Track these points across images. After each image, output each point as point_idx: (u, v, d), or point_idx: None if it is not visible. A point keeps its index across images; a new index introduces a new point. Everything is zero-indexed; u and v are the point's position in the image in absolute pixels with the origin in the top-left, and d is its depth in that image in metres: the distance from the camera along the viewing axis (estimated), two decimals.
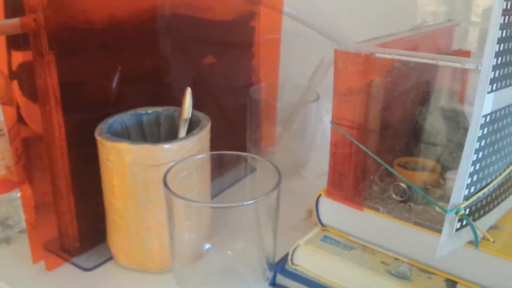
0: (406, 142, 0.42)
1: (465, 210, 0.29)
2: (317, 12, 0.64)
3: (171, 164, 0.37)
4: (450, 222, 0.29)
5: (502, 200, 0.34)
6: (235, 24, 0.57)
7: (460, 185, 0.28)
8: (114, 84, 0.44)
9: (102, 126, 0.40)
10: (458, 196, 0.29)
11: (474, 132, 0.27)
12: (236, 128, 0.61)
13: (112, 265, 0.43)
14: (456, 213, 0.29)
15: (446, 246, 0.30)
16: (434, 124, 0.41)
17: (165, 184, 0.34)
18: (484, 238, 0.34)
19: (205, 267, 0.40)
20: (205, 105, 0.58)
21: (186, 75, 0.54)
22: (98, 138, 0.38)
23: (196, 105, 0.56)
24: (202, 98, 0.57)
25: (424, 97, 0.43)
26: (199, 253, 0.40)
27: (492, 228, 0.35)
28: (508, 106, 0.31)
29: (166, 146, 0.38)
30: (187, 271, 0.38)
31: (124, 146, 0.37)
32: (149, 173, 0.38)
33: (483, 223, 0.33)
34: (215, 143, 0.59)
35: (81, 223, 0.43)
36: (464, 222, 0.30)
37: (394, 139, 0.41)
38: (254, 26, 0.59)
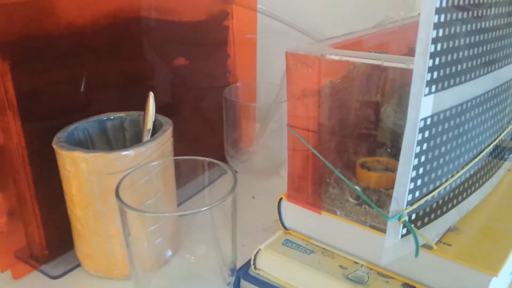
0: (370, 142, 0.41)
1: (409, 216, 0.29)
2: (292, 9, 0.63)
3: (128, 171, 0.37)
4: (394, 228, 0.28)
5: (460, 202, 0.34)
6: (207, 24, 0.57)
7: (401, 190, 0.28)
8: (81, 90, 0.44)
9: (60, 135, 0.40)
10: (399, 202, 0.28)
11: (411, 136, 0.26)
12: (215, 130, 0.61)
13: (80, 273, 0.43)
14: (399, 219, 0.28)
15: (391, 252, 0.29)
16: (399, 123, 0.40)
17: (117, 194, 0.34)
18: (441, 241, 0.33)
19: (167, 274, 0.40)
20: (182, 107, 0.58)
21: (160, 78, 0.53)
22: (54, 147, 0.38)
23: (173, 108, 0.56)
24: (179, 100, 0.57)
25: (389, 96, 0.42)
26: (161, 260, 0.39)
27: (452, 230, 0.34)
28: (457, 106, 0.30)
29: (123, 153, 0.38)
30: (147, 279, 0.38)
31: (78, 155, 0.37)
32: (106, 181, 0.37)
33: (438, 226, 0.32)
34: (193, 145, 0.59)
35: (48, 231, 0.43)
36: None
37: (357, 140, 0.41)
38: (228, 26, 0.59)
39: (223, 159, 0.60)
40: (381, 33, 0.44)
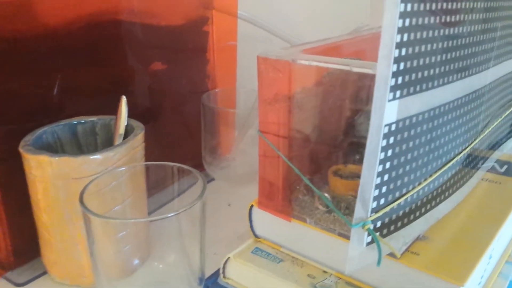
0: (343, 150, 0.41)
1: (374, 224, 0.28)
2: (273, 15, 0.63)
3: (95, 176, 0.36)
4: (358, 236, 0.28)
5: (429, 210, 0.33)
6: (186, 29, 0.56)
7: (365, 197, 0.27)
8: (54, 94, 0.44)
9: (28, 138, 0.39)
10: (363, 209, 0.27)
11: (374, 142, 0.26)
12: (193, 136, 0.60)
13: (46, 280, 0.42)
14: (363, 226, 0.27)
15: (356, 261, 0.28)
16: None
17: (81, 200, 0.33)
18: (408, 250, 0.33)
19: (134, 282, 0.39)
20: (159, 113, 0.57)
21: (137, 83, 0.53)
22: (20, 150, 0.37)
23: (150, 114, 0.55)
24: (156, 106, 0.56)
25: (362, 103, 0.42)
26: (129, 268, 0.39)
27: (420, 239, 0.34)
28: (424, 112, 0.29)
29: (91, 157, 0.37)
30: (113, 287, 0.37)
31: (44, 159, 0.36)
32: (73, 186, 0.37)
33: (406, 235, 0.32)
34: (170, 152, 0.58)
35: (15, 237, 0.42)
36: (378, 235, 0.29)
37: (330, 147, 0.40)
38: (207, 31, 0.58)
39: (200, 166, 0.59)
40: (358, 40, 0.43)
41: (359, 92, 0.41)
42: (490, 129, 0.40)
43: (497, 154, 0.45)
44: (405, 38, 0.26)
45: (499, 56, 0.40)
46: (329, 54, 0.37)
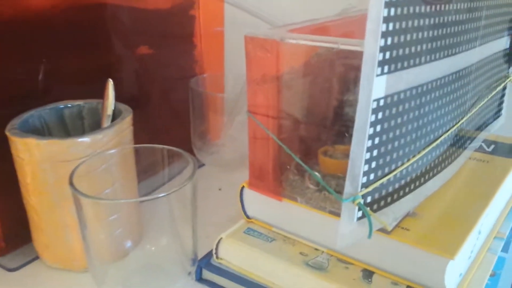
0: (333, 130, 0.41)
1: (364, 199, 0.28)
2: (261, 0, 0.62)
3: (83, 159, 0.36)
4: (349, 211, 0.28)
5: (418, 187, 0.33)
6: (173, 13, 0.56)
7: (354, 172, 0.27)
8: (39, 78, 0.43)
9: (15, 122, 0.38)
10: (353, 184, 0.27)
11: (363, 117, 0.26)
12: (182, 122, 0.60)
13: (38, 265, 0.42)
14: (353, 201, 0.27)
15: (347, 236, 0.29)
16: None
17: (71, 182, 0.33)
18: (399, 226, 0.33)
19: (127, 265, 0.39)
20: (147, 99, 0.57)
21: (124, 68, 0.52)
22: (7, 133, 0.37)
23: (137, 99, 0.55)
24: (144, 91, 0.56)
25: (351, 84, 0.42)
26: (121, 251, 0.38)
27: (410, 215, 0.34)
28: (411, 89, 0.29)
29: (78, 140, 0.36)
30: (106, 270, 0.37)
31: (31, 141, 0.36)
32: (61, 170, 0.36)
33: (396, 210, 0.32)
34: (159, 138, 0.58)
35: (6, 223, 0.42)
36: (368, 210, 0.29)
37: (319, 128, 0.40)
38: (194, 15, 0.58)
39: (190, 152, 0.59)
40: (345, 21, 0.43)
41: (348, 73, 0.41)
42: (477, 108, 0.41)
43: (484, 135, 0.46)
44: (392, 13, 0.26)
45: (485, 35, 0.40)
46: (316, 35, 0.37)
